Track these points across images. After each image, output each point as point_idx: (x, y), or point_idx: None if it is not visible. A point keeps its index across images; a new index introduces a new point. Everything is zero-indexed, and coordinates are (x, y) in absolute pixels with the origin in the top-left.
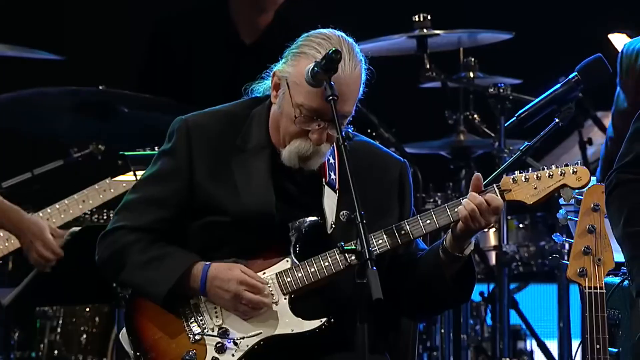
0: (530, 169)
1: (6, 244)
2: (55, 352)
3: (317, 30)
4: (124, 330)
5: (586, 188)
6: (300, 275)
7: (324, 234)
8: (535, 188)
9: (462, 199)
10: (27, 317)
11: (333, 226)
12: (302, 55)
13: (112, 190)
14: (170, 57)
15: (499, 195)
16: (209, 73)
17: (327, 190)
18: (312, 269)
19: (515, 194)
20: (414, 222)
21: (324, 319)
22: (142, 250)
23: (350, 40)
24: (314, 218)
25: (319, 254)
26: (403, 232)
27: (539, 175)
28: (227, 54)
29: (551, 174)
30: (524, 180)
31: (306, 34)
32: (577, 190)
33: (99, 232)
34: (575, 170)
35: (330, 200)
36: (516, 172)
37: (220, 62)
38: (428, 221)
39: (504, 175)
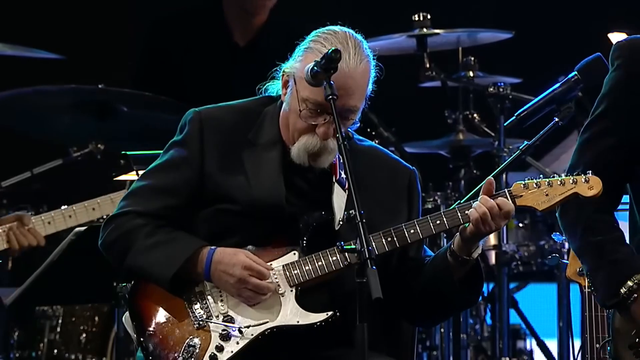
0: (541, 175)
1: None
2: (55, 351)
3: (326, 27)
4: (127, 314)
5: None
6: (307, 268)
7: (331, 230)
8: (547, 195)
9: (473, 202)
10: (27, 316)
11: (340, 223)
12: (309, 51)
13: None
14: (165, 58)
15: (510, 200)
16: (203, 74)
17: (336, 188)
18: (320, 263)
19: (526, 200)
20: (424, 222)
21: (330, 312)
22: (148, 234)
23: (359, 37)
24: (323, 213)
25: (327, 249)
26: (412, 231)
27: (551, 182)
28: (221, 55)
29: (563, 181)
30: (535, 186)
31: (315, 31)
32: None
33: None
34: (587, 179)
35: (339, 198)
36: (526, 179)
37: (214, 63)
38: (438, 222)
39: (505, 178)
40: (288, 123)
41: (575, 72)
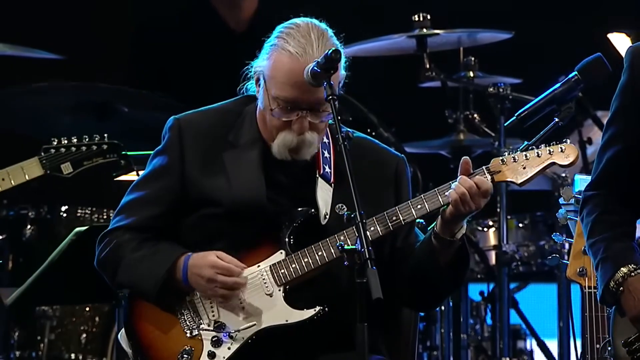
0: (519, 148)
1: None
2: (55, 351)
3: (289, 21)
4: (122, 331)
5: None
6: (294, 266)
7: (317, 225)
8: (524, 168)
9: (452, 183)
10: (27, 316)
11: (327, 217)
12: (273, 48)
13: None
14: (163, 59)
15: (488, 177)
16: (206, 69)
17: (320, 182)
18: (306, 260)
19: (504, 175)
20: (405, 208)
21: (318, 308)
22: (133, 249)
23: (322, 25)
24: (306, 209)
25: (312, 245)
26: (394, 218)
27: (528, 155)
28: (221, 46)
29: (540, 153)
30: (513, 160)
31: (279, 26)
32: (577, 190)
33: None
34: (563, 148)
35: (324, 192)
36: (505, 153)
37: (216, 56)
38: (419, 206)
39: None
40: (265, 120)
41: (576, 72)
